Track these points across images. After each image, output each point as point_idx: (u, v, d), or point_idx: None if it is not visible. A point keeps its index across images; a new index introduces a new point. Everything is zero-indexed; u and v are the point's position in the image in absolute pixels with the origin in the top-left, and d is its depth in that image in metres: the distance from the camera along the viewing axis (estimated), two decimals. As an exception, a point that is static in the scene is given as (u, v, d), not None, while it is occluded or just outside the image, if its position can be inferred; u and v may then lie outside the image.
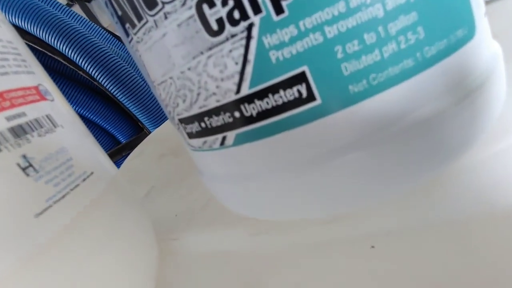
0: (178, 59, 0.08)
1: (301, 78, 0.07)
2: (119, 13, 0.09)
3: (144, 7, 0.08)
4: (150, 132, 0.58)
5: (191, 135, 0.10)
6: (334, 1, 0.06)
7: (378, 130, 0.07)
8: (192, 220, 0.15)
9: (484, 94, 0.08)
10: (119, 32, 0.10)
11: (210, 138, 0.09)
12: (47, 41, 0.51)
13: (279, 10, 0.07)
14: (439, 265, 0.08)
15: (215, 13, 0.07)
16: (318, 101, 0.07)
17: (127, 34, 0.09)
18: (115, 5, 0.09)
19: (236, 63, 0.07)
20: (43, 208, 0.08)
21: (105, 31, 0.61)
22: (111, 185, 0.11)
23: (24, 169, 0.08)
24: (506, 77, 0.10)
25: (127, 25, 0.09)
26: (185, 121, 0.09)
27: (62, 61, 0.53)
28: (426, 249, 0.09)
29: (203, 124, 0.09)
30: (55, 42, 0.50)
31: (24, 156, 0.08)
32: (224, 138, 0.09)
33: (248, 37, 0.07)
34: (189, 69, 0.08)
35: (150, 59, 0.09)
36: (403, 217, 0.10)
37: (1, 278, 0.06)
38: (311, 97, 0.07)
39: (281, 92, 0.07)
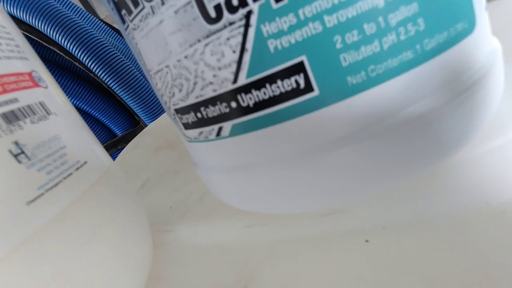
0: (175, 46, 0.08)
1: (299, 68, 0.07)
2: (114, 1, 0.09)
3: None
4: (146, 125, 0.58)
5: (187, 126, 0.10)
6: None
7: (375, 123, 0.07)
8: (187, 212, 0.15)
9: (482, 89, 0.08)
10: (115, 20, 0.10)
11: (206, 129, 0.09)
12: (43, 31, 0.50)
13: (278, -3, 0.06)
14: (434, 260, 0.09)
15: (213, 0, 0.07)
16: (315, 92, 0.07)
17: (123, 21, 0.09)
18: (111, -9, 0.09)
19: (234, 52, 0.07)
20: (35, 195, 0.07)
21: (102, 23, 0.60)
22: (105, 176, 0.11)
23: (16, 156, 0.07)
24: (504, 74, 0.10)
25: (123, 12, 0.09)
26: (181, 111, 0.09)
27: (58, 52, 0.52)
28: (421, 243, 0.09)
29: (199, 115, 0.09)
30: (51, 32, 0.50)
31: (16, 143, 0.07)
32: (220, 129, 0.08)
33: (247, 25, 0.07)
34: (185, 57, 0.08)
35: (146, 46, 0.09)
36: (398, 211, 0.10)
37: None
38: (309, 88, 0.07)
39: (279, 82, 0.07)
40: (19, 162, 0.07)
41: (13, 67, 0.09)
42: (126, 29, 0.09)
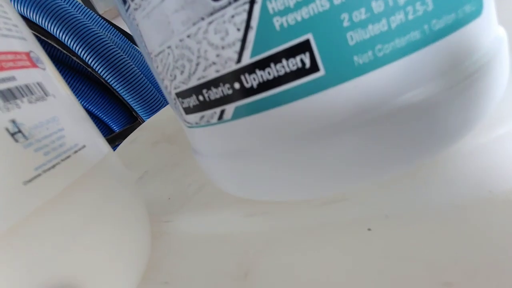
0: (177, 25, 0.08)
1: (305, 47, 0.07)
2: (117, -22, 0.09)
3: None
4: (144, 121, 0.57)
5: (188, 110, 0.09)
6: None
7: (381, 105, 0.07)
8: (186, 203, 0.14)
9: (487, 75, 0.08)
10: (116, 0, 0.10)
11: (208, 112, 0.09)
12: (41, 25, 0.49)
13: (284, -26, 0.06)
14: (436, 247, 0.08)
15: (217, -24, 0.07)
16: (321, 72, 0.07)
17: (124, 1, 0.09)
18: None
19: (238, 30, 0.07)
20: (32, 176, 0.07)
21: (101, 18, 0.60)
22: (104, 162, 0.11)
23: (12, 135, 0.07)
24: (510, 64, 0.10)
25: (125, -8, 0.09)
26: (182, 95, 0.09)
27: (56, 46, 0.52)
28: (423, 232, 0.09)
29: (201, 97, 0.09)
30: (49, 26, 0.49)
31: (13, 121, 0.07)
32: (222, 112, 0.08)
33: (252, 2, 0.07)
34: (188, 36, 0.08)
35: (147, 27, 0.09)
36: (401, 200, 0.10)
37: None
38: (314, 68, 0.07)
39: (284, 62, 0.07)
40: (16, 141, 0.07)
41: (10, 45, 0.08)
42: (127, 10, 0.09)
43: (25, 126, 0.08)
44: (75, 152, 0.09)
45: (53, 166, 0.08)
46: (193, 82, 0.08)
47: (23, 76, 0.08)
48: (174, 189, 0.16)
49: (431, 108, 0.07)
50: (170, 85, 0.09)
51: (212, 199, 0.14)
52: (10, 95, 0.07)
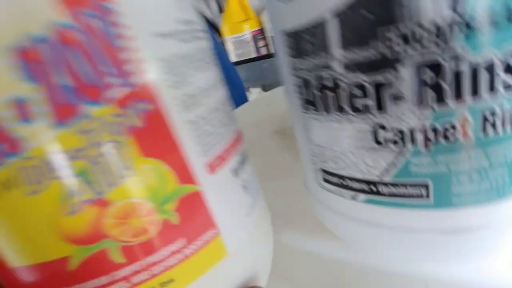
0: (343, 143, 0.13)
1: (424, 185, 0.12)
2: (307, 98, 0.14)
3: (350, 109, 0.13)
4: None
5: (327, 181, 0.15)
6: (459, 150, 0.11)
7: (461, 226, 0.12)
8: (289, 219, 0.20)
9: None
10: (290, 100, 0.15)
11: (343, 191, 0.14)
12: None
13: (426, 146, 0.11)
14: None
15: (386, 134, 0.12)
16: (430, 200, 0.12)
17: (302, 109, 0.14)
18: (304, 92, 0.14)
19: (386, 163, 0.12)
20: (248, 211, 0.13)
21: None
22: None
23: (242, 188, 0.13)
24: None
25: (308, 106, 0.14)
26: (327, 173, 0.14)
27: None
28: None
29: (343, 182, 0.14)
30: None
31: (244, 180, 0.13)
32: (355, 195, 0.14)
33: (400, 153, 0.12)
34: (350, 152, 0.13)
35: (317, 130, 0.14)
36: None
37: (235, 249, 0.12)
38: (426, 197, 0.12)
39: (409, 188, 0.12)
40: (244, 192, 0.13)
41: (232, 132, 0.14)
42: (299, 110, 0.14)
43: (246, 181, 0.13)
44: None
45: (256, 203, 0.14)
46: (340, 172, 0.14)
47: (237, 152, 0.14)
48: (278, 201, 0.22)
49: (491, 231, 0.12)
50: (318, 162, 0.15)
51: (314, 219, 0.19)
52: (239, 167, 0.13)
